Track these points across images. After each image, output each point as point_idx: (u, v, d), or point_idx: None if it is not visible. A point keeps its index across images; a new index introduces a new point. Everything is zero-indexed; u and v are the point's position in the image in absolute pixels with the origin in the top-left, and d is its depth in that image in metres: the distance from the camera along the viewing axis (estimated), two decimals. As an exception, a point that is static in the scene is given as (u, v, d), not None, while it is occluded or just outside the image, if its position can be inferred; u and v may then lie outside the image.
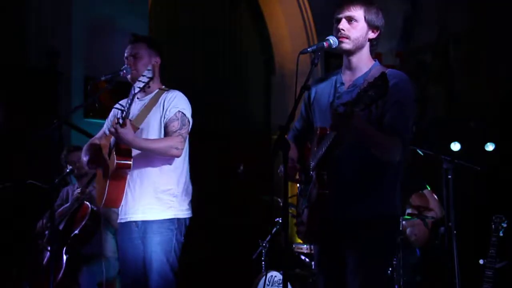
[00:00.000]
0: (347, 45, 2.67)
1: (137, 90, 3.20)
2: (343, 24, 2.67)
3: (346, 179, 2.62)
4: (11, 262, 4.56)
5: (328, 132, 2.55)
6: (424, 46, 7.69)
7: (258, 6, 7.69)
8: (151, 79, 3.19)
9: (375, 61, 2.75)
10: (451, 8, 7.40)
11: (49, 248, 4.19)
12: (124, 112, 3.19)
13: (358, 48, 2.69)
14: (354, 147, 2.58)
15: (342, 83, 2.73)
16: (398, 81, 2.59)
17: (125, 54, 3.47)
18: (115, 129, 3.14)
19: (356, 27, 2.67)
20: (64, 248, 4.23)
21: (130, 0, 5.87)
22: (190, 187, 3.48)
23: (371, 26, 2.69)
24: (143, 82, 3.18)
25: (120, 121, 3.20)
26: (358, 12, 2.67)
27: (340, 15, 2.69)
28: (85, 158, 3.48)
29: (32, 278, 4.24)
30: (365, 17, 2.68)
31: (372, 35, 2.70)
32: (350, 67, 2.73)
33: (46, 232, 4.31)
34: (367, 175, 2.62)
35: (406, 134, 2.59)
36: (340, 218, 2.63)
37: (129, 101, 3.21)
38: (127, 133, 3.15)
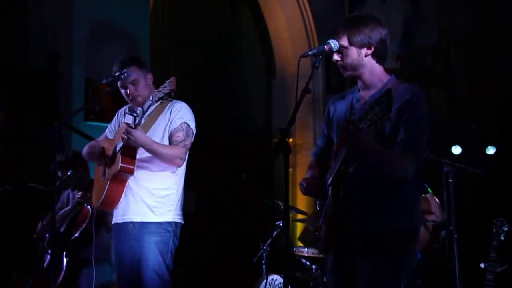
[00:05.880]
0: (347, 72, 2.69)
1: (155, 99, 3.22)
2: (334, 56, 2.68)
3: (361, 195, 2.61)
4: (12, 265, 4.55)
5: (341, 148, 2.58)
6: (424, 49, 7.69)
7: (258, 9, 7.70)
8: (172, 90, 3.17)
9: (390, 75, 2.72)
10: (452, 11, 7.40)
11: (49, 251, 4.19)
12: (137, 119, 3.23)
13: (360, 69, 2.67)
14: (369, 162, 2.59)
15: (358, 100, 2.73)
16: (411, 97, 2.58)
17: (119, 84, 3.45)
18: (128, 131, 3.17)
19: (346, 54, 2.65)
20: (65, 251, 4.23)
21: (131, 3, 5.87)
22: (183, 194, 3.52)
23: (361, 46, 2.65)
24: (163, 93, 3.18)
25: (132, 125, 3.25)
26: (342, 40, 2.65)
27: None
28: (84, 150, 3.54)
29: (32, 281, 4.24)
30: (350, 42, 2.64)
31: (367, 52, 2.65)
32: (365, 86, 2.72)
33: (47, 235, 4.31)
34: (382, 190, 2.60)
35: (419, 150, 2.58)
36: (356, 234, 2.62)
37: (144, 109, 3.26)
38: (140, 134, 3.20)
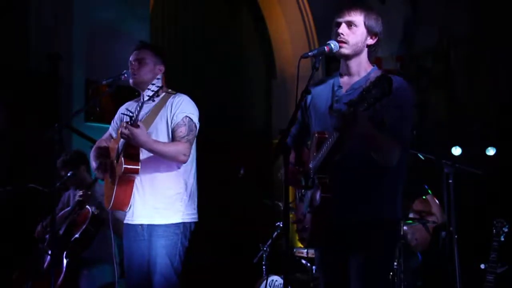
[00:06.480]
0: (345, 50, 2.67)
1: (146, 98, 3.19)
2: (343, 29, 2.66)
3: (347, 183, 2.62)
4: (12, 266, 4.55)
5: (327, 135, 2.55)
6: (424, 50, 7.69)
7: (259, 10, 7.70)
8: (160, 88, 3.18)
9: (373, 66, 2.75)
10: (452, 12, 7.40)
11: (49, 252, 4.19)
12: (133, 119, 3.18)
13: (357, 53, 2.69)
14: (355, 150, 2.58)
15: (340, 86, 2.73)
16: (397, 86, 2.58)
17: (130, 59, 3.48)
18: (129, 129, 3.14)
19: (355, 32, 2.67)
20: (65, 252, 4.23)
21: (131, 3, 5.87)
22: (196, 191, 3.49)
23: (370, 32, 2.69)
24: (152, 91, 3.17)
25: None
26: (358, 17, 2.67)
27: (340, 19, 2.69)
28: (94, 164, 3.50)
29: (32, 282, 4.23)
30: (365, 23, 2.68)
31: (370, 41, 2.70)
32: (348, 72, 2.73)
33: (47, 236, 4.31)
34: (367, 178, 2.62)
35: (406, 138, 2.59)
36: (343, 221, 2.63)
37: (138, 109, 3.21)
38: (140, 133, 3.16)
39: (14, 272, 4.45)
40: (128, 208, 3.40)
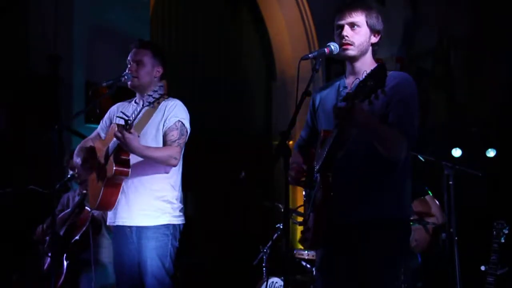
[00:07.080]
0: (352, 51, 2.67)
1: (146, 104, 3.17)
2: (347, 31, 2.66)
3: (351, 180, 2.61)
4: (12, 268, 4.55)
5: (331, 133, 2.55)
6: (424, 52, 7.69)
7: (259, 12, 7.70)
8: (162, 96, 3.17)
9: (377, 64, 2.75)
10: (452, 14, 7.41)
11: (49, 254, 4.19)
12: (129, 122, 3.16)
13: (363, 53, 2.69)
14: (358, 147, 2.57)
15: (345, 87, 2.74)
16: (400, 81, 2.59)
17: (128, 58, 3.47)
18: (122, 134, 3.14)
19: (359, 32, 2.67)
20: (65, 254, 4.23)
21: (131, 5, 5.87)
22: (181, 194, 3.49)
23: (373, 30, 2.69)
24: (154, 98, 3.15)
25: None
26: (360, 18, 2.67)
27: (342, 22, 2.68)
28: (77, 160, 3.47)
29: (32, 284, 4.23)
30: (367, 22, 2.68)
31: (374, 39, 2.71)
32: (354, 72, 2.73)
33: (47, 237, 4.31)
34: (372, 175, 2.59)
35: (411, 131, 2.56)
36: (346, 220, 2.61)
37: (136, 113, 3.19)
38: (133, 139, 3.16)
39: (14, 274, 4.44)
40: (115, 209, 3.38)
